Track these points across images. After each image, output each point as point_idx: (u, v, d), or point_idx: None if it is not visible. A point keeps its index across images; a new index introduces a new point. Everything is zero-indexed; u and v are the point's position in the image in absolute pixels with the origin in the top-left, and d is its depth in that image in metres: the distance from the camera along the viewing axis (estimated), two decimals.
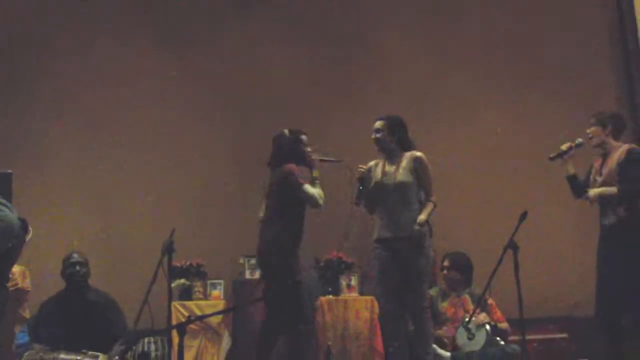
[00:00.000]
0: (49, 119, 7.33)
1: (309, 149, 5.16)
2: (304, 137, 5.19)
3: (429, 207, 4.93)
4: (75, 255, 5.32)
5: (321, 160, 5.17)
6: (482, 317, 5.34)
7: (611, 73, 7.57)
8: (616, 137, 5.06)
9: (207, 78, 7.49)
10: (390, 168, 5.02)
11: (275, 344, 5.01)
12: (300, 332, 4.95)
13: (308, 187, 4.95)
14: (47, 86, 7.37)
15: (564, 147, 5.16)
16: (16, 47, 7.40)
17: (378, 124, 5.13)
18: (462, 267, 5.63)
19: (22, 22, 7.45)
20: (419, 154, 5.02)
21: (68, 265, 5.28)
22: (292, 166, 5.02)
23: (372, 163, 5.18)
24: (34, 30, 7.44)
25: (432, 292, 5.57)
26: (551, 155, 5.21)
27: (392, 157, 5.08)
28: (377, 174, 5.07)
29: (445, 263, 5.63)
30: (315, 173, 5.09)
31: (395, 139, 5.08)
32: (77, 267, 5.26)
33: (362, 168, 5.13)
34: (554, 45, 7.52)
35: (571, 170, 5.18)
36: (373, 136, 5.14)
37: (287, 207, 5.01)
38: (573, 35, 7.54)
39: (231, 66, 7.50)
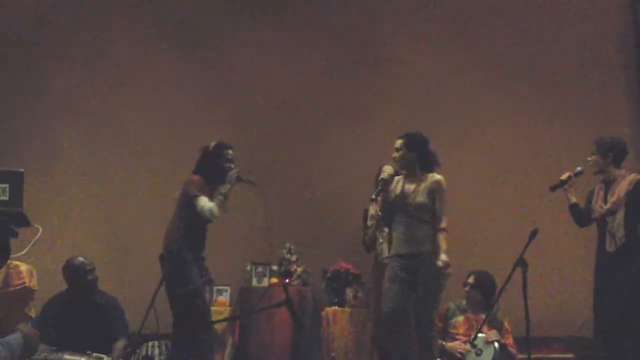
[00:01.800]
0: (59, 119, 7.38)
1: (231, 165, 5.17)
2: (229, 152, 5.21)
3: (445, 240, 4.84)
4: (88, 261, 5.31)
5: (238, 178, 5.13)
6: (494, 334, 5.29)
7: (623, 91, 7.55)
8: (617, 165, 5.10)
9: (216, 84, 7.52)
10: (410, 187, 4.98)
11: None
12: (198, 344, 4.93)
13: (201, 199, 4.96)
14: (58, 86, 7.41)
15: (563, 177, 5.17)
16: (27, 48, 7.45)
17: (397, 142, 5.09)
18: (485, 287, 5.50)
19: (33, 23, 7.50)
20: (439, 177, 4.97)
21: (86, 272, 5.28)
22: (195, 177, 5.11)
23: (395, 179, 5.13)
24: (44, 31, 7.49)
25: (451, 304, 5.53)
26: (551, 186, 5.20)
27: (412, 175, 5.03)
28: (397, 190, 5.04)
29: (470, 280, 5.55)
30: (223, 188, 5.05)
31: (415, 157, 5.03)
32: (90, 276, 5.29)
33: (387, 171, 5.02)
34: (566, 61, 7.52)
35: (573, 199, 5.20)
36: (393, 155, 5.10)
37: (182, 215, 5.07)
38: (585, 51, 7.53)
39: (241, 72, 7.53)
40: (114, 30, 7.58)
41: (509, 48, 7.57)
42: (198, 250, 5.10)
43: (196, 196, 4.98)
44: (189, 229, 5.03)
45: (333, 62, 7.51)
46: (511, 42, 7.59)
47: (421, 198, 4.91)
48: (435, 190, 4.92)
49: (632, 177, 5.03)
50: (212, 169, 5.14)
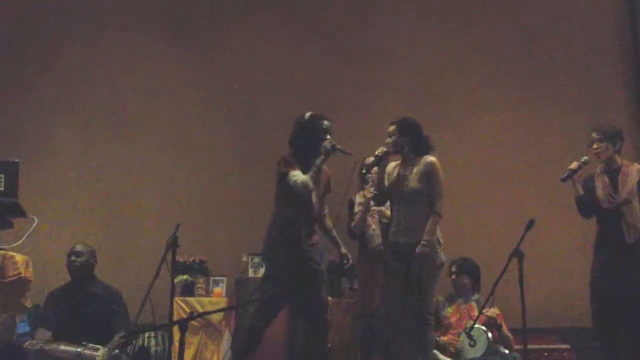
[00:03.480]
0: (54, 111, 7.38)
1: (327, 137, 4.86)
2: (325, 122, 4.94)
3: (433, 223, 4.82)
4: (77, 246, 5.29)
5: (333, 147, 4.82)
6: (491, 311, 5.30)
7: (621, 81, 7.53)
8: (619, 153, 5.06)
9: (212, 74, 7.51)
10: (404, 173, 4.97)
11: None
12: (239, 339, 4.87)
13: (291, 174, 4.73)
14: (53, 77, 7.41)
15: (573, 166, 5.02)
16: (21, 39, 7.43)
17: (390, 128, 5.03)
18: (469, 271, 5.64)
19: (27, 14, 7.48)
20: (432, 159, 4.92)
21: (67, 256, 5.28)
22: (283, 154, 4.87)
23: (392, 164, 5.11)
24: (39, 21, 7.48)
25: (439, 298, 5.55)
26: (563, 177, 5.04)
27: (406, 160, 5.00)
28: (393, 176, 5.03)
29: (453, 268, 5.62)
30: (318, 160, 4.77)
31: (408, 142, 4.99)
32: (72, 257, 5.21)
33: (382, 149, 4.99)
34: (563, 51, 7.50)
35: (580, 190, 5.06)
36: (386, 141, 5.05)
37: (280, 195, 4.89)
38: (583, 42, 7.51)
39: (236, 64, 7.51)
40: (109, 21, 7.57)
41: (505, 37, 7.55)
42: (295, 234, 4.81)
43: (285, 172, 4.76)
44: (286, 210, 4.83)
45: (329, 51, 7.49)
46: (507, 32, 7.56)
47: (413, 183, 4.88)
48: (428, 174, 4.88)
49: (637, 166, 5.00)
50: (307, 140, 4.87)
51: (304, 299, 4.83)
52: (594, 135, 5.05)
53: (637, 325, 4.85)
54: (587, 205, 5.08)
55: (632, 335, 4.89)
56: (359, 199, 5.64)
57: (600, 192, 5.00)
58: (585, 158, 5.05)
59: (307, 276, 4.80)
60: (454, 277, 5.63)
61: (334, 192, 5.17)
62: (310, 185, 4.74)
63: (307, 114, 5.00)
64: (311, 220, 4.92)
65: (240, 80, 7.44)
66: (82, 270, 5.22)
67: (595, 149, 5.04)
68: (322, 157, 4.80)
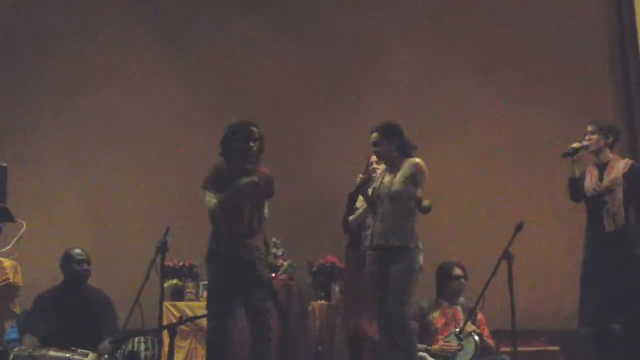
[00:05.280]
0: (44, 114, 7.36)
1: (252, 145, 4.85)
2: (250, 130, 4.91)
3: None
4: (81, 253, 5.27)
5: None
6: (469, 326, 5.28)
7: (610, 83, 7.56)
8: (612, 149, 5.13)
9: (203, 76, 7.51)
10: (389, 177, 4.94)
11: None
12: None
13: (206, 195, 4.86)
14: (43, 81, 7.40)
15: (576, 145, 5.12)
16: (12, 42, 7.40)
17: (374, 136, 4.99)
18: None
19: (18, 17, 7.47)
20: (417, 160, 4.89)
21: (76, 262, 5.24)
22: (213, 167, 4.96)
23: (380, 169, 5.12)
24: (30, 25, 7.46)
25: (423, 303, 5.50)
26: (565, 152, 5.14)
27: (392, 165, 4.98)
28: (378, 181, 5.02)
29: (459, 272, 5.52)
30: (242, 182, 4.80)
31: (395, 147, 4.97)
32: (86, 266, 5.25)
33: (360, 177, 5.06)
34: (552, 55, 7.51)
35: (577, 172, 5.16)
36: (372, 150, 5.05)
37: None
38: (572, 45, 7.52)
39: (228, 65, 7.51)
40: (98, 25, 7.56)
41: (494, 38, 7.54)
42: (216, 249, 4.90)
43: (203, 190, 4.89)
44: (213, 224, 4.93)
45: (317, 53, 7.50)
46: (498, 29, 7.55)
47: (397, 186, 4.84)
48: (415, 175, 4.84)
49: (627, 160, 5.08)
50: (236, 148, 4.86)
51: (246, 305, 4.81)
52: (589, 127, 5.16)
53: (626, 313, 4.87)
54: (576, 188, 5.15)
55: (625, 324, 4.92)
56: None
57: (588, 182, 5.09)
58: (586, 143, 5.12)
59: (242, 287, 4.76)
60: (463, 281, 5.49)
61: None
62: (218, 212, 4.79)
63: (235, 122, 4.97)
64: (238, 234, 4.81)
65: (227, 82, 7.43)
66: (87, 278, 5.25)
67: (587, 139, 5.13)
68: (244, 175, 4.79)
